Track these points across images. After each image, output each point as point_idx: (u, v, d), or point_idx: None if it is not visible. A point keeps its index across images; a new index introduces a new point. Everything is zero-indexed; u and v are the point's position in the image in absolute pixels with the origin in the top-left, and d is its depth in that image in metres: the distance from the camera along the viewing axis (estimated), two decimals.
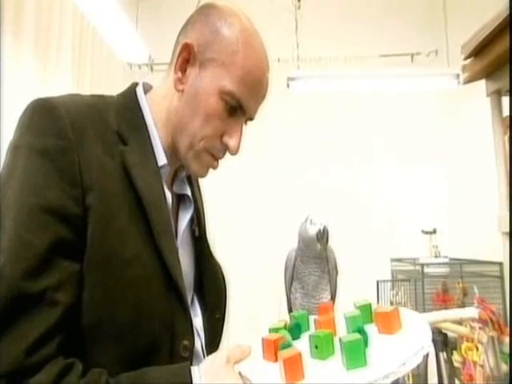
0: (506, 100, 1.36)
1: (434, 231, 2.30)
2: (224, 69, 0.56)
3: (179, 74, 0.58)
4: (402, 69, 2.24)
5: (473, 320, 1.01)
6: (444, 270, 2.09)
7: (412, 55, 2.62)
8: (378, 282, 2.00)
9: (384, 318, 0.47)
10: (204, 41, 0.57)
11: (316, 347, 0.45)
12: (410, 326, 0.47)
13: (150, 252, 0.51)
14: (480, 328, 1.10)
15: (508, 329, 1.82)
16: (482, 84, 1.52)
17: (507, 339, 1.58)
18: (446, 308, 2.12)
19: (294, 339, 0.51)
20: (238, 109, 0.57)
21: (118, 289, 0.48)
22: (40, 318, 0.43)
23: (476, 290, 1.84)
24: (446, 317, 0.97)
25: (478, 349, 1.17)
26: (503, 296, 1.89)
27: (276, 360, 0.47)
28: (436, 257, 2.23)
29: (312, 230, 0.93)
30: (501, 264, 1.94)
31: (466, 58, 1.37)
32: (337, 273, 0.96)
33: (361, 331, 0.44)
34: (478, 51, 1.34)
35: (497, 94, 1.36)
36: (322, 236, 0.92)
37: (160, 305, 0.51)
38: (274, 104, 2.50)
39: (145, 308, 0.50)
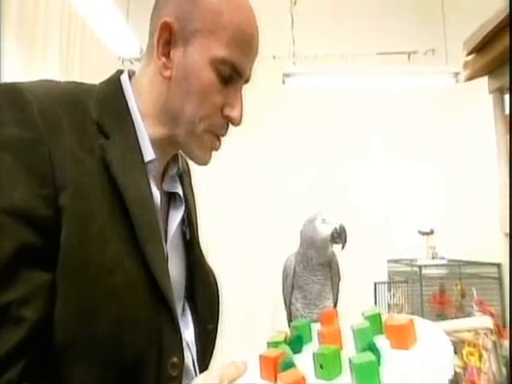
0: (508, 97, 1.33)
1: (431, 232, 2.28)
2: (211, 36, 0.50)
3: (163, 59, 0.52)
4: (401, 66, 2.21)
5: (486, 329, 0.96)
6: (442, 271, 2.06)
7: (409, 53, 2.59)
8: (375, 284, 1.96)
9: (397, 332, 0.42)
10: (182, 13, 0.51)
11: (321, 367, 0.40)
12: (428, 340, 0.42)
13: (134, 258, 0.46)
14: (484, 333, 1.07)
15: (507, 331, 1.79)
16: (480, 82, 1.49)
17: (506, 342, 1.55)
18: (444, 310, 2.09)
19: (295, 352, 0.46)
20: (233, 75, 0.53)
21: (97, 301, 0.42)
22: (1, 337, 0.38)
23: (474, 292, 1.82)
24: (458, 327, 0.93)
25: (481, 355, 1.14)
26: (502, 298, 1.87)
27: (275, 380, 0.42)
28: (433, 258, 2.21)
29: (325, 230, 0.81)
30: (499, 265, 1.92)
31: (468, 54, 1.33)
32: (339, 278, 0.88)
33: (372, 348, 0.39)
34: (480, 47, 1.30)
35: (499, 92, 1.33)
36: (340, 236, 0.81)
37: (145, 318, 0.45)
38: (270, 101, 2.48)
39: (128, 322, 0.44)
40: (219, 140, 0.56)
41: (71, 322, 0.41)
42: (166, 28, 0.51)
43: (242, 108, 0.54)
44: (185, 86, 0.51)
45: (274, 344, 0.47)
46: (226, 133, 0.56)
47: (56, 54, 1.84)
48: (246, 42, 0.52)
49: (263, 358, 0.43)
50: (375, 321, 0.46)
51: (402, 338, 0.41)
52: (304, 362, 0.43)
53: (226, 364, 0.45)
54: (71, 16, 1.97)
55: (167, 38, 0.51)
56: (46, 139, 0.43)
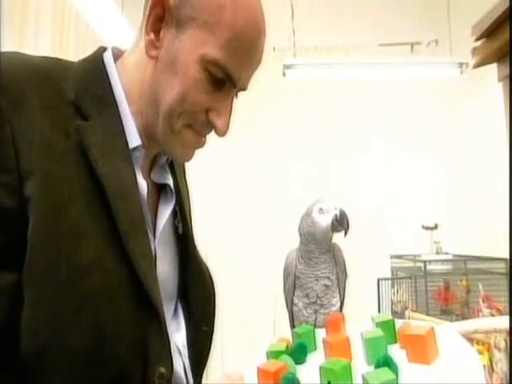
0: None
1: (436, 226, 2.23)
2: (206, 31, 0.44)
3: (152, 35, 0.46)
4: (404, 57, 2.15)
5: (506, 330, 0.91)
6: (446, 266, 2.02)
7: (412, 44, 2.54)
8: (378, 280, 1.91)
9: (416, 343, 0.36)
10: None
11: (329, 383, 0.34)
12: (452, 353, 0.36)
13: (115, 256, 0.40)
14: (496, 331, 1.02)
15: None
16: (486, 72, 1.43)
17: None
18: (448, 306, 2.05)
19: (298, 363, 0.41)
20: (226, 81, 0.46)
21: (71, 305, 0.37)
22: None
23: (481, 288, 1.77)
24: (478, 327, 0.87)
25: (492, 354, 1.09)
26: (510, 294, 1.82)
27: None
28: (437, 253, 2.16)
29: (324, 221, 0.76)
30: (506, 260, 1.87)
31: (476, 40, 1.27)
32: (346, 276, 0.81)
33: (388, 362, 0.33)
34: (490, 33, 1.24)
35: (509, 79, 1.27)
36: (341, 222, 0.76)
37: (128, 324, 0.40)
38: (270, 93, 2.43)
39: (107, 329, 0.39)
40: (203, 137, 0.50)
41: (40, 331, 0.36)
42: (160, 2, 0.45)
43: (229, 118, 0.48)
44: (170, 73, 0.46)
45: (274, 354, 0.42)
46: (209, 132, 0.50)
47: (48, 46, 1.78)
48: (246, 50, 0.46)
49: (262, 372, 0.38)
50: (388, 328, 0.41)
51: (422, 350, 0.36)
52: (308, 375, 0.38)
53: (221, 376, 0.40)
54: (64, 6, 1.91)
55: (160, 14, 0.45)
56: (8, 119, 0.38)
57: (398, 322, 0.43)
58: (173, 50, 0.45)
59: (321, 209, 0.78)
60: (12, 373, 0.36)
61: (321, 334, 0.46)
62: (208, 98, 0.46)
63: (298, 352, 0.43)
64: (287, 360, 0.40)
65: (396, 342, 0.41)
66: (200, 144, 0.50)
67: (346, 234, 0.78)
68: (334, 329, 0.46)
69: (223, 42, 0.44)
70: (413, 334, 0.37)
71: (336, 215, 0.77)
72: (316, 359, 0.40)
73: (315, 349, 0.45)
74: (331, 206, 0.78)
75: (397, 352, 0.38)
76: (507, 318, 0.85)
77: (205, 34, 0.44)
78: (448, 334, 0.41)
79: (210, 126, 0.49)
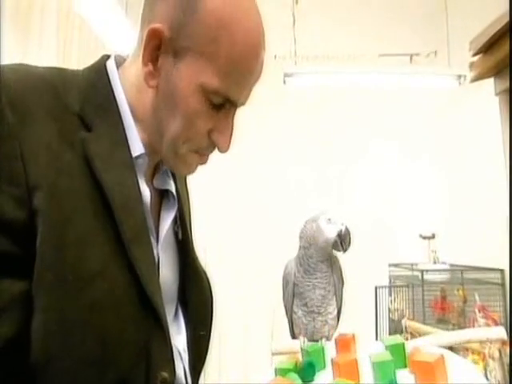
0: None
1: (433, 236, 2.25)
2: (204, 60, 0.44)
3: (150, 66, 0.46)
4: (404, 67, 2.18)
5: (500, 340, 0.93)
6: (443, 276, 2.03)
7: (411, 55, 2.56)
8: (376, 288, 1.92)
9: (426, 370, 0.37)
10: (177, 22, 0.44)
11: None
12: (461, 380, 0.37)
13: (120, 265, 0.41)
14: (490, 342, 1.03)
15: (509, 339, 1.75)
16: (484, 84, 1.45)
17: (508, 350, 1.51)
18: (444, 315, 2.06)
19: (306, 381, 0.42)
20: (226, 103, 0.47)
21: (78, 313, 0.38)
22: None
23: (477, 298, 1.78)
24: (472, 337, 0.89)
25: (486, 363, 1.10)
26: (505, 304, 1.83)
27: None
28: (435, 262, 2.17)
29: (330, 231, 0.77)
30: (502, 271, 1.88)
31: (474, 55, 1.30)
32: (343, 284, 0.83)
33: None
34: (487, 48, 1.27)
35: (506, 93, 1.29)
36: (344, 239, 0.77)
37: (132, 330, 0.41)
38: (270, 101, 2.45)
39: (112, 336, 0.40)
40: (206, 157, 0.51)
41: (49, 339, 0.37)
42: (156, 36, 0.44)
43: (231, 135, 0.49)
44: (170, 103, 0.46)
45: (282, 371, 0.43)
46: (212, 152, 0.50)
47: (53, 52, 1.80)
48: (245, 74, 0.46)
49: None
50: (398, 352, 0.41)
51: (431, 377, 0.36)
52: None
53: None
54: (69, 11, 1.93)
55: (156, 44, 0.45)
56: (16, 133, 0.39)
57: (409, 346, 0.43)
58: (171, 79, 0.45)
59: (329, 219, 0.79)
60: (22, 379, 0.37)
61: (330, 350, 0.46)
62: (210, 121, 0.47)
63: (307, 370, 0.43)
64: (294, 378, 0.40)
65: (406, 367, 0.41)
66: (203, 161, 0.51)
67: (344, 251, 0.80)
68: (343, 349, 0.46)
69: (222, 71, 0.44)
70: (422, 361, 0.37)
71: (341, 230, 0.78)
72: (324, 378, 0.40)
73: (324, 367, 0.45)
74: (338, 220, 0.79)
75: (406, 377, 0.38)
76: (500, 328, 0.86)
77: (203, 64, 0.44)
78: (456, 360, 0.41)
79: (213, 146, 0.49)
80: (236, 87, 0.46)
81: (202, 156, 0.50)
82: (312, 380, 0.44)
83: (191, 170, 0.52)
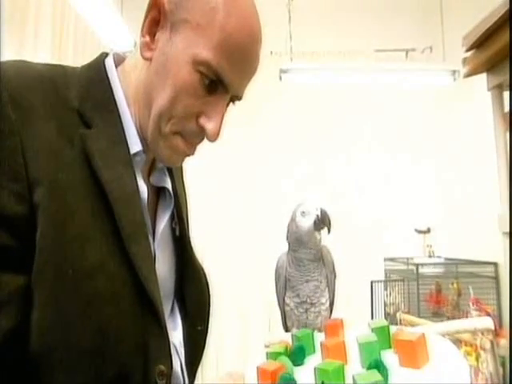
0: (507, 95, 1.31)
1: (428, 230, 2.27)
2: (199, 32, 0.44)
3: (147, 37, 0.47)
4: (398, 63, 2.19)
5: (487, 330, 0.95)
6: (438, 270, 2.05)
7: (407, 51, 2.57)
8: (371, 283, 1.94)
9: (407, 348, 0.39)
10: None
11: (323, 383, 0.37)
12: (441, 359, 0.39)
13: (118, 260, 0.42)
14: (482, 334, 1.05)
15: (503, 331, 1.78)
16: (478, 79, 1.47)
17: (502, 342, 1.54)
18: (439, 308, 2.09)
19: (296, 365, 0.43)
20: (218, 84, 0.46)
21: (77, 307, 0.39)
22: None
23: (471, 291, 1.81)
24: (459, 327, 0.90)
25: (478, 354, 1.12)
26: (498, 297, 1.86)
27: None
28: (430, 256, 2.20)
29: (306, 223, 0.78)
30: (496, 264, 1.91)
31: (467, 50, 1.31)
32: (335, 276, 0.84)
33: (379, 366, 0.36)
34: (479, 43, 1.28)
35: (498, 89, 1.31)
36: (323, 220, 0.77)
37: (130, 324, 0.42)
38: (266, 97, 2.45)
39: (111, 329, 0.41)
40: (193, 145, 0.50)
41: (48, 331, 0.38)
42: (156, 6, 0.46)
43: (220, 123, 0.48)
44: (162, 74, 0.46)
45: (273, 355, 0.45)
46: (199, 142, 0.50)
47: (48, 48, 1.80)
48: (237, 53, 0.46)
49: (261, 371, 0.41)
50: (383, 333, 0.43)
51: (413, 355, 0.38)
52: (305, 376, 0.40)
53: (222, 376, 0.43)
54: (64, 7, 1.92)
55: (156, 17, 0.47)
56: (18, 130, 0.40)
57: (393, 328, 0.45)
58: (166, 51, 0.46)
59: (303, 212, 0.80)
60: (22, 371, 0.38)
61: (320, 337, 0.48)
62: (199, 103, 0.46)
63: (297, 354, 0.45)
64: (285, 361, 0.42)
65: (390, 347, 0.42)
66: (188, 153, 0.50)
67: (329, 231, 0.80)
68: (332, 333, 0.48)
69: (214, 43, 0.44)
70: (404, 340, 0.39)
71: (318, 215, 0.78)
72: (313, 361, 0.42)
73: (314, 352, 0.47)
74: (312, 208, 0.79)
75: (390, 356, 0.40)
76: (487, 318, 0.88)
77: (197, 36, 0.45)
78: (438, 340, 0.43)
79: (201, 136, 0.49)
80: (228, 65, 0.45)
81: (188, 144, 0.49)
82: (302, 363, 0.45)
83: (177, 159, 0.51)
